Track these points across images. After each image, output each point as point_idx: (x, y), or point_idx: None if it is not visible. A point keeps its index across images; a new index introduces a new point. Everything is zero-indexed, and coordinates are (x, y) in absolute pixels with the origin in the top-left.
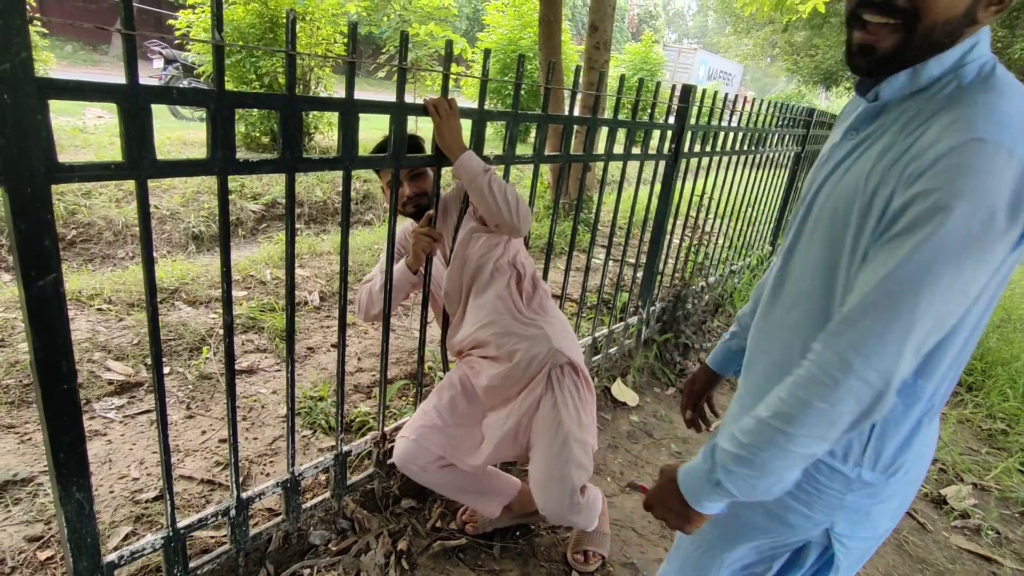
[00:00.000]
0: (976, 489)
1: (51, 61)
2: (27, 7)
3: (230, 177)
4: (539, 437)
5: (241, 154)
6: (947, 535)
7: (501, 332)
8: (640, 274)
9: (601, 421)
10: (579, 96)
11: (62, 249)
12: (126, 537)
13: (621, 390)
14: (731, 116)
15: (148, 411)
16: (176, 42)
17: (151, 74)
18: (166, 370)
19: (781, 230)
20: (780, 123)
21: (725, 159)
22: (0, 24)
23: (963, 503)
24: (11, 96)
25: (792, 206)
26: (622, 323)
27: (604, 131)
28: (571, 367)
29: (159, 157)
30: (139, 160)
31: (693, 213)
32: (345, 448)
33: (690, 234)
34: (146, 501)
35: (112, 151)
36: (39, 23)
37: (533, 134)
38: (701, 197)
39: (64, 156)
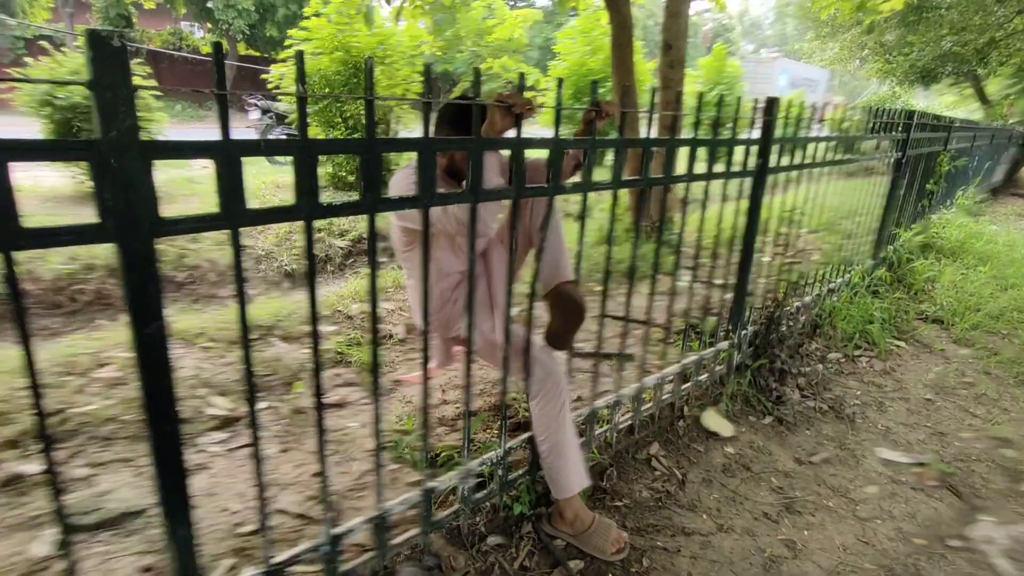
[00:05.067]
0: None
1: (165, 120)
2: (132, 78)
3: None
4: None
5: (329, 194)
6: None
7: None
8: (729, 296)
9: (693, 453)
10: (655, 117)
11: (173, 290)
12: (229, 569)
13: (713, 420)
14: (819, 125)
15: (248, 445)
16: (271, 93)
17: (248, 124)
18: (262, 404)
19: (883, 243)
20: (874, 129)
21: (816, 171)
22: (109, 96)
23: None
24: (118, 160)
25: (894, 216)
26: (712, 348)
27: (685, 150)
28: None
29: (254, 203)
30: (233, 210)
31: (784, 229)
32: (431, 484)
33: (781, 252)
34: (246, 534)
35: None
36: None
37: (610, 157)
38: (791, 212)
39: (175, 205)
